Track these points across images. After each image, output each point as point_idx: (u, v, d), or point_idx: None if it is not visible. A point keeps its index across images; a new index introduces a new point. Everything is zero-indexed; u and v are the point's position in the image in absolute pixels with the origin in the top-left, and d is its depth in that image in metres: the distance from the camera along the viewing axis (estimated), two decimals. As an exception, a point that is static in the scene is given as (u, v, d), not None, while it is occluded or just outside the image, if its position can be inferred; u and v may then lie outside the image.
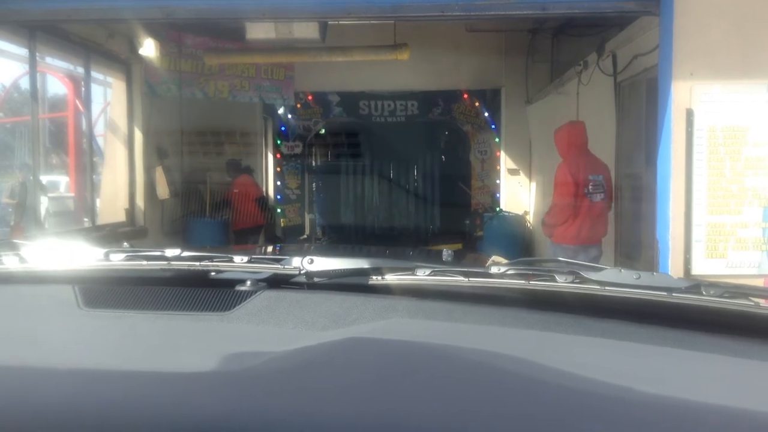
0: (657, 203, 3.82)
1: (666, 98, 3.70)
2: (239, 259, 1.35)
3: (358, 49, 7.69)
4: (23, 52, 6.39)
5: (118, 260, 1.37)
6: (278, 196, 12.01)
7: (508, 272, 1.24)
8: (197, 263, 1.35)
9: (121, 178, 8.09)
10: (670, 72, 3.68)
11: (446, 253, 1.58)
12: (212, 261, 1.35)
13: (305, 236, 12.38)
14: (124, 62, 7.99)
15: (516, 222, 9.82)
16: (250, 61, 8.60)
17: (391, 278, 1.26)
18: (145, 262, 1.36)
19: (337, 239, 12.26)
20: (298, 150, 12.41)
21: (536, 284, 1.20)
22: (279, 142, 12.24)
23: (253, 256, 1.38)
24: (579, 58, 7.14)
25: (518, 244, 9.44)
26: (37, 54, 6.54)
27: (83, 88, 8.17)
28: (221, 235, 8.90)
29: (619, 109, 6.01)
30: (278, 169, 12.28)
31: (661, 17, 3.82)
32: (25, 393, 0.88)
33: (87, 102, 8.30)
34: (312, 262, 1.29)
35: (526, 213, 10.25)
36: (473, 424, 0.78)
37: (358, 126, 12.68)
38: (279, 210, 11.86)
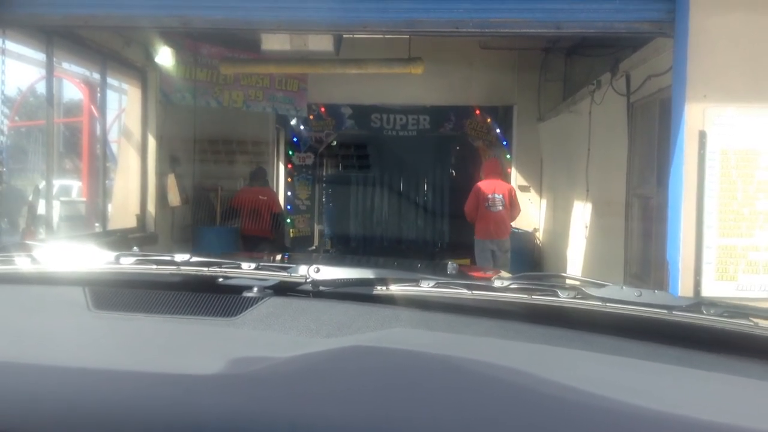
0: (668, 224, 3.81)
1: (679, 120, 3.70)
2: (247, 266, 1.37)
3: (372, 62, 7.73)
4: (40, 56, 6.46)
5: (128, 264, 1.40)
6: (288, 207, 12.05)
7: (511, 286, 1.26)
8: (206, 269, 1.37)
9: (133, 184, 8.15)
10: (684, 94, 3.68)
11: (451, 266, 1.61)
12: (220, 267, 1.38)
13: (314, 247, 12.40)
14: (140, 70, 8.07)
15: (525, 239, 9.79)
16: (265, 72, 8.65)
17: (395, 289, 1.28)
18: (154, 267, 1.39)
19: (345, 251, 12.27)
20: (309, 161, 12.46)
21: (538, 299, 1.21)
22: (291, 152, 12.30)
23: (261, 263, 1.40)
24: (592, 77, 7.14)
25: (527, 261, 9.41)
26: (54, 59, 6.63)
27: (98, 94, 8.25)
28: (231, 243, 8.92)
29: (632, 129, 6.01)
30: (289, 179, 12.34)
31: (675, 39, 3.83)
32: (34, 391, 0.89)
33: (102, 108, 8.38)
34: (318, 270, 1.31)
35: (535, 230, 10.22)
36: None
37: (369, 139, 12.72)
38: (289, 220, 11.89)
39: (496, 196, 7.82)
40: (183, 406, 0.86)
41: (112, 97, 10.20)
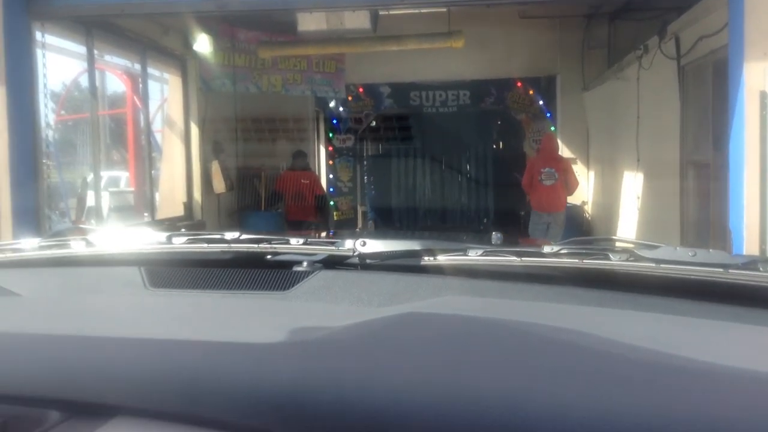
0: (729, 190, 3.63)
1: (738, 80, 3.51)
2: (295, 242, 1.38)
3: (411, 37, 7.57)
4: (82, 50, 6.52)
5: (180, 243, 1.43)
6: (331, 189, 12.04)
7: (561, 251, 1.23)
8: (255, 245, 1.38)
9: (178, 173, 8.24)
10: (742, 53, 3.48)
11: (495, 236, 1.57)
12: (270, 243, 1.39)
13: (358, 229, 12.39)
14: (179, 58, 8.11)
15: (574, 213, 9.57)
16: (303, 53, 8.57)
17: (443, 259, 1.27)
18: (206, 245, 1.41)
19: (390, 230, 12.22)
20: (349, 143, 12.41)
21: (590, 263, 1.18)
22: (331, 135, 12.26)
23: (308, 239, 1.41)
24: (637, 42, 6.90)
25: (577, 235, 9.21)
26: (96, 51, 6.69)
27: (140, 85, 8.33)
28: (276, 228, 8.97)
29: (684, 94, 5.77)
30: (330, 162, 12.32)
31: (732, -6, 3.62)
32: (100, 363, 0.91)
33: (144, 98, 8.45)
34: (365, 244, 1.32)
35: (584, 203, 9.99)
36: (533, 396, 0.78)
37: (409, 117, 12.59)
38: (332, 203, 11.88)
39: (549, 169, 8.08)
40: (246, 373, 0.86)
41: (154, 87, 10.28)
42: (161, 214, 8.13)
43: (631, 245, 1.26)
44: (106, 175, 16.21)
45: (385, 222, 12.79)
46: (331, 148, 12.31)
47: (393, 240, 1.43)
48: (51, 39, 6.17)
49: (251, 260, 1.39)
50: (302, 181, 9.17)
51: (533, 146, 11.73)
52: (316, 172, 11.10)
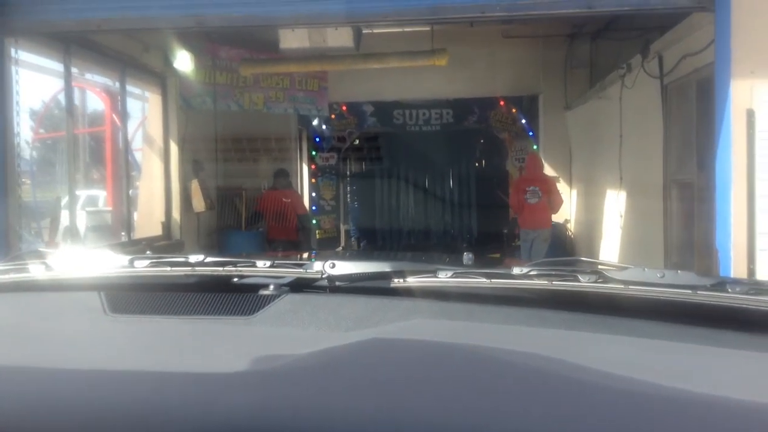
0: (716, 210, 3.58)
1: (724, 99, 3.47)
2: (262, 264, 1.36)
3: (394, 55, 7.52)
4: (60, 67, 6.39)
5: (142, 267, 1.40)
6: (314, 208, 11.93)
7: (531, 273, 1.23)
8: (220, 269, 1.36)
9: (157, 192, 8.09)
10: (729, 70, 3.45)
11: (467, 256, 1.58)
12: (235, 266, 1.36)
13: (341, 248, 12.27)
14: (159, 75, 7.99)
15: (557, 231, 9.54)
16: (285, 71, 8.49)
17: (412, 281, 1.26)
18: (169, 268, 1.38)
19: (373, 249, 12.13)
20: (332, 161, 12.34)
21: (559, 284, 1.18)
22: (314, 153, 12.18)
23: (276, 261, 1.39)
24: (620, 62, 6.91)
25: (560, 254, 9.17)
26: (74, 69, 6.57)
27: (119, 103, 8.20)
28: (257, 247, 8.83)
29: (667, 113, 5.76)
30: (313, 180, 12.22)
31: (717, 12, 3.60)
32: (55, 395, 0.89)
33: (123, 116, 8.32)
34: (334, 266, 1.30)
35: (567, 221, 9.97)
36: (498, 423, 0.78)
37: (392, 136, 12.56)
38: (315, 221, 11.76)
39: (533, 188, 8.33)
40: (204, 405, 0.85)
41: (135, 105, 10.15)
42: (139, 234, 7.96)
43: (599, 267, 1.27)
44: (84, 194, 16.01)
45: (369, 241, 12.70)
46: (314, 167, 12.22)
47: (363, 261, 1.42)
48: (29, 56, 6.07)
49: (216, 284, 1.36)
50: (284, 200, 9.05)
51: (516, 165, 11.75)
52: (299, 191, 10.99)
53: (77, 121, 17.39)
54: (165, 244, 7.76)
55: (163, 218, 8.09)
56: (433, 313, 1.16)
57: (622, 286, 1.14)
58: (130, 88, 7.96)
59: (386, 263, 1.34)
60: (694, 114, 5.21)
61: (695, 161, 5.17)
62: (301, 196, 10.50)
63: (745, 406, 0.81)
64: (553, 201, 8.38)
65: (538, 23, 9.23)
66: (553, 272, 1.23)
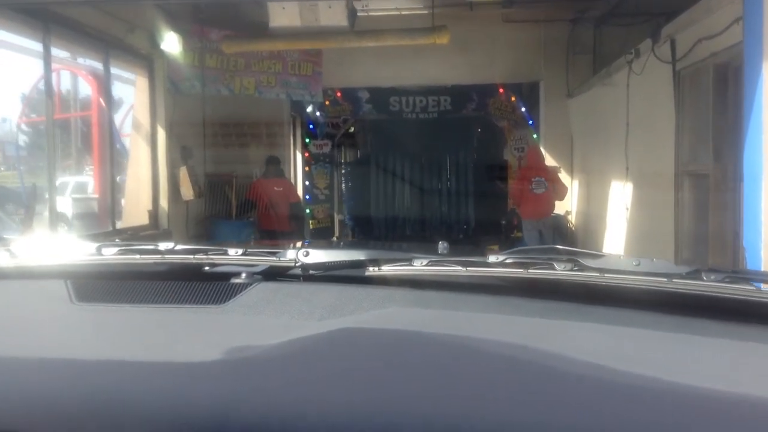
0: (744, 205, 3.29)
1: (754, 82, 3.18)
2: (234, 252, 1.33)
3: (391, 32, 7.09)
4: (39, 47, 6.06)
5: (110, 254, 1.36)
6: (307, 197, 11.61)
7: (507, 261, 1.23)
8: (191, 256, 1.34)
9: (144, 179, 7.79)
10: (761, 51, 3.15)
11: (442, 245, 1.51)
12: (206, 254, 1.34)
13: (335, 238, 11.99)
14: (146, 58, 7.67)
15: (557, 222, 9.28)
16: (272, 48, 8.06)
17: (387, 269, 1.25)
18: (138, 256, 1.35)
19: (368, 240, 11.87)
20: (327, 149, 12.00)
21: (535, 272, 1.18)
22: (307, 140, 11.85)
23: (248, 249, 1.36)
24: (626, 47, 6.63)
25: (561, 245, 8.91)
26: (58, 49, 6.25)
27: (105, 86, 7.86)
28: (248, 237, 8.55)
29: (679, 100, 5.47)
30: (307, 168, 11.90)
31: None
32: (19, 385, 0.89)
33: (107, 99, 7.98)
34: (307, 254, 1.28)
35: (567, 213, 9.69)
36: (471, 411, 0.79)
37: (388, 123, 12.26)
38: (308, 211, 11.45)
39: (539, 178, 8.40)
40: (172, 396, 0.85)
41: (125, 89, 9.80)
42: (125, 223, 7.67)
43: (576, 255, 1.25)
44: (73, 180, 15.66)
45: (363, 230, 12.43)
46: (307, 154, 11.89)
47: (337, 250, 1.43)
48: (8, 36, 5.72)
49: (187, 272, 1.32)
50: (276, 188, 8.76)
51: (515, 154, 11.47)
52: (292, 179, 10.67)
53: (69, 106, 17.01)
54: (152, 234, 7.46)
55: (150, 206, 7.79)
56: (408, 301, 1.15)
57: (598, 274, 1.14)
58: (117, 71, 7.64)
59: (361, 251, 1.33)
60: (710, 101, 4.93)
61: (711, 151, 4.88)
62: (293, 185, 10.20)
63: (717, 394, 0.82)
64: (558, 189, 8.54)
65: (540, 6, 8.97)
66: (529, 260, 1.22)
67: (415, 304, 1.15)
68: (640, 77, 6.22)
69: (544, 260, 1.21)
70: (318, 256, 1.29)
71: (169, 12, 7.56)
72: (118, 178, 9.24)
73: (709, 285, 1.10)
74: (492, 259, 1.24)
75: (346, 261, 1.30)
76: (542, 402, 0.80)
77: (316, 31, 5.87)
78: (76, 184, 15.19)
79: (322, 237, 11.47)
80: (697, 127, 5.25)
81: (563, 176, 9.78)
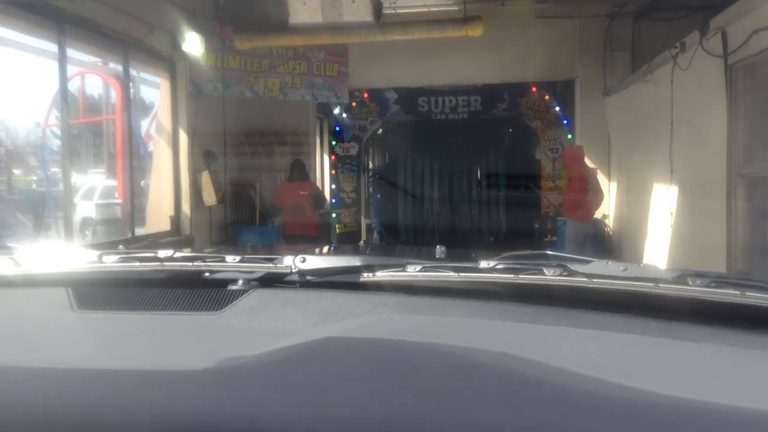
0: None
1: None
2: (231, 259, 1.36)
3: (420, 24, 6.72)
4: (70, 53, 5.86)
5: (111, 262, 1.39)
6: (333, 200, 11.35)
7: (497, 267, 1.26)
8: (190, 264, 1.37)
9: (166, 184, 7.58)
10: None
11: (439, 250, 1.56)
12: (204, 261, 1.37)
13: (362, 242, 11.70)
14: (168, 59, 7.46)
15: (596, 227, 8.85)
16: (289, 44, 7.75)
17: (381, 275, 1.28)
18: (138, 264, 1.37)
19: (395, 244, 11.55)
20: (353, 151, 11.73)
21: (524, 278, 1.21)
22: (334, 143, 11.59)
23: (246, 256, 1.39)
24: (667, 43, 6.22)
25: (597, 252, 8.47)
26: (76, 51, 6.06)
27: (125, 89, 7.68)
28: (273, 243, 8.30)
29: (732, 96, 5.05)
30: (333, 171, 11.64)
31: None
32: (18, 393, 0.89)
33: (126, 102, 7.79)
34: (304, 260, 1.31)
35: (605, 216, 9.26)
36: (463, 418, 0.78)
37: (417, 124, 11.95)
38: (334, 215, 11.18)
39: (590, 180, 7.82)
40: (169, 403, 0.84)
41: (151, 93, 9.67)
42: (147, 229, 7.47)
43: (565, 260, 1.28)
44: (102, 184, 15.63)
45: (391, 234, 12.13)
46: (333, 157, 11.63)
47: (334, 256, 1.50)
48: (27, 39, 5.53)
49: (186, 279, 1.37)
50: (301, 192, 8.48)
51: (549, 155, 11.07)
52: (318, 183, 10.41)
53: (99, 109, 17.01)
54: (173, 240, 7.25)
55: (172, 212, 7.58)
56: (401, 307, 1.16)
57: (586, 279, 1.17)
58: (142, 75, 7.47)
59: (357, 257, 1.37)
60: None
61: (770, 153, 4.47)
62: (320, 189, 9.95)
63: (700, 399, 0.81)
64: (599, 192, 7.99)
65: (575, 1, 8.60)
66: (519, 266, 1.24)
67: (406, 310, 1.16)
68: (685, 72, 5.81)
69: (534, 266, 1.23)
70: (314, 262, 1.31)
71: (190, 12, 7.35)
72: (142, 183, 9.08)
73: (694, 289, 1.12)
74: (483, 264, 1.26)
75: (341, 267, 1.33)
76: (533, 407, 0.80)
77: (339, 28, 5.56)
78: (104, 189, 15.15)
79: (348, 241, 11.19)
80: (753, 126, 4.84)
81: (600, 178, 9.36)
